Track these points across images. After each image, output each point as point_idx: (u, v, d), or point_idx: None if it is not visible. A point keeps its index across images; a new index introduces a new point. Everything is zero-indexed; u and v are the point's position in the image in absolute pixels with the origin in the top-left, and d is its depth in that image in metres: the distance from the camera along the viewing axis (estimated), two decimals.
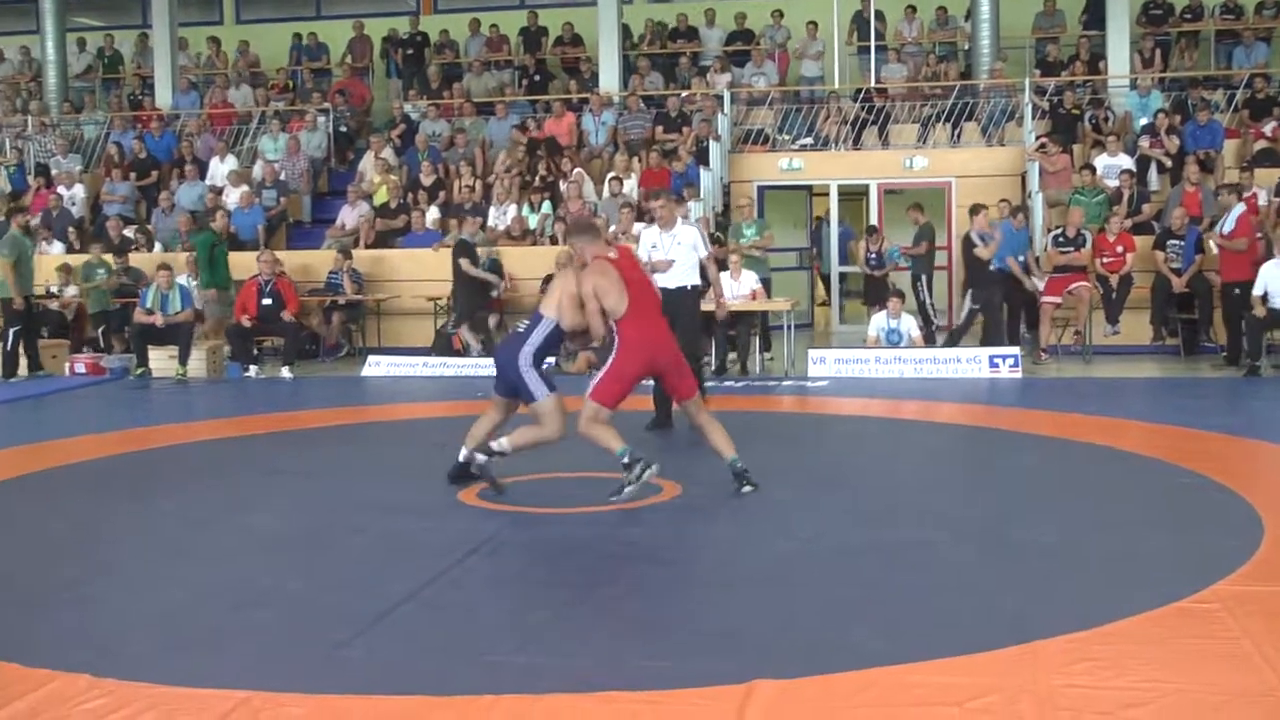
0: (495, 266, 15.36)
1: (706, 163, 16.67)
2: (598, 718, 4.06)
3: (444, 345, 15.23)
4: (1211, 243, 13.61)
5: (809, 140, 18.10)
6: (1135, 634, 4.71)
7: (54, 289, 16.14)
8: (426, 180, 17.56)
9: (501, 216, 16.55)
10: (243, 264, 15.59)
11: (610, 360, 7.11)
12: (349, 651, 4.74)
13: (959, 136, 17.76)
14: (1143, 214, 15.21)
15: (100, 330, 15.50)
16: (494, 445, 7.37)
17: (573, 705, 4.15)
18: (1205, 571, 5.43)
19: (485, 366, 14.14)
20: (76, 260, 16.64)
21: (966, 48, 19.48)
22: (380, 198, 17.47)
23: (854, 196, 19.51)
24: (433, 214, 16.94)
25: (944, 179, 17.38)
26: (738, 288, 13.47)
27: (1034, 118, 17.08)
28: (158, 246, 16.99)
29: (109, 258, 15.94)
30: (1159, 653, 4.51)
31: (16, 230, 14.70)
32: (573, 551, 6.36)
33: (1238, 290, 13.11)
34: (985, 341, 13.64)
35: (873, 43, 18.96)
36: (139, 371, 14.14)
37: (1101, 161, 15.83)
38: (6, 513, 7.54)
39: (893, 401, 11.45)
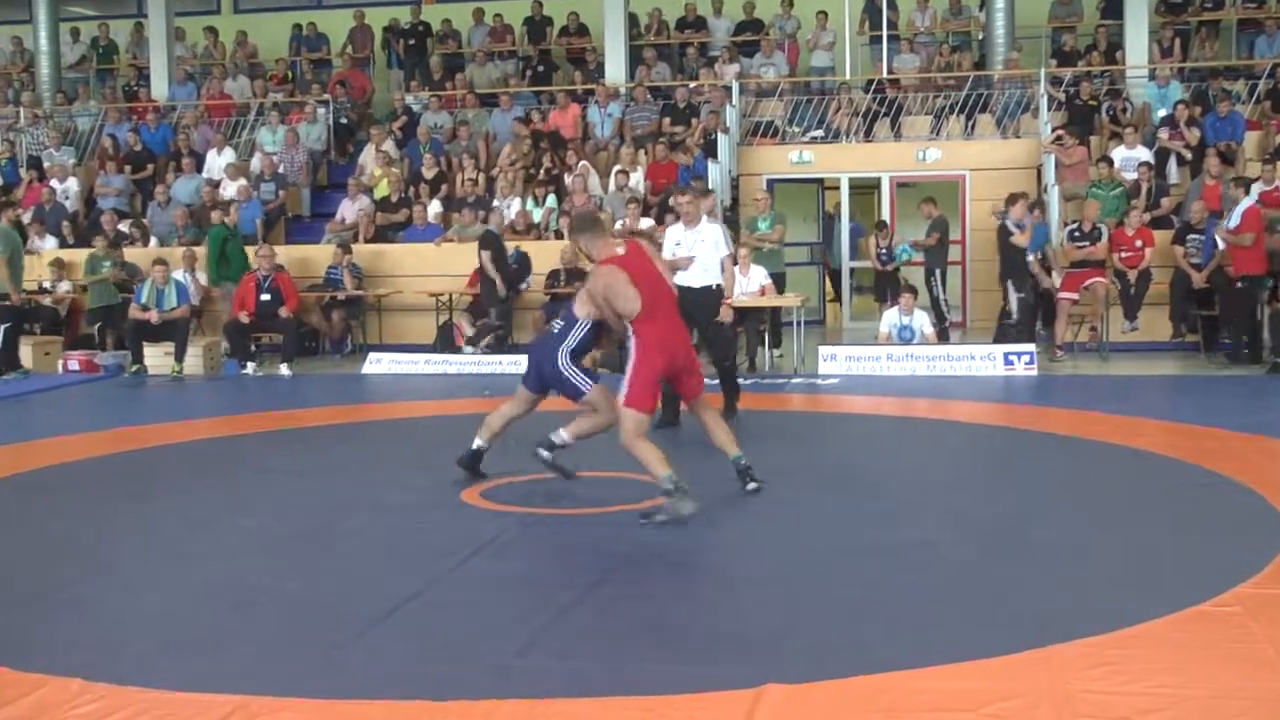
0: (523, 260, 15.32)
1: (715, 155, 16.65)
2: None
3: (446, 342, 15.23)
4: (1218, 237, 13.61)
5: (819, 132, 18.07)
6: (1154, 638, 4.70)
7: (47, 284, 16.15)
8: (428, 173, 17.56)
9: (505, 210, 16.54)
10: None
11: (632, 364, 6.96)
12: (349, 654, 4.74)
13: (973, 128, 17.73)
14: (1162, 208, 15.18)
15: (98, 327, 15.49)
16: (554, 438, 7.56)
17: (577, 710, 4.15)
18: (1226, 574, 5.42)
19: (486, 364, 14.19)
20: (69, 255, 16.68)
21: (981, 37, 19.43)
22: (381, 191, 17.46)
23: (865, 190, 19.48)
24: (434, 208, 16.94)
25: (958, 172, 17.35)
26: (747, 283, 13.46)
27: (1050, 109, 17.04)
28: (153, 241, 16.99)
29: (131, 251, 15.90)
30: (1178, 657, 4.50)
31: (7, 225, 14.70)
32: (577, 552, 6.35)
33: (1240, 284, 13.11)
34: (1017, 328, 13.50)
35: (885, 32, 18.93)
36: (134, 369, 14.14)
37: (1119, 154, 15.79)
38: None
39: (905, 400, 11.44)
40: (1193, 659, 4.47)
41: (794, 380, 12.78)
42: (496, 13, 21.53)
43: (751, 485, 7.27)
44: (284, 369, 14.21)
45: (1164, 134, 16.22)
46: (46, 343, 15.23)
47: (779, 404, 11.35)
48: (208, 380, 14.17)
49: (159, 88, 21.07)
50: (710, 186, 15.59)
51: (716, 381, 10.00)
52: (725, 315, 10.19)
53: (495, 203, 16.37)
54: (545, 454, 7.61)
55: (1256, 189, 14.01)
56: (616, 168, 16.84)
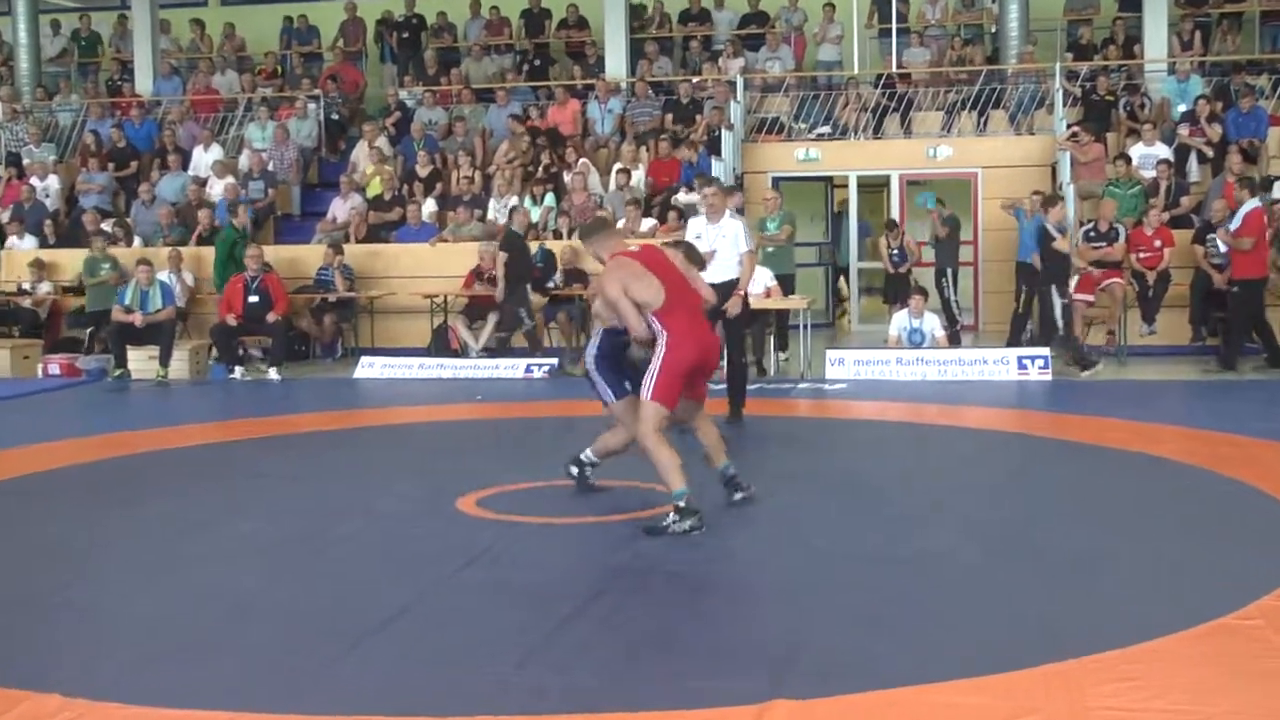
0: (548, 259, 15.31)
1: (719, 153, 16.66)
2: None
3: (441, 345, 15.25)
4: (1219, 240, 13.62)
5: (827, 129, 18.08)
6: (1174, 652, 4.70)
7: (26, 286, 16.16)
8: (423, 171, 17.57)
9: (502, 209, 16.55)
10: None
11: (659, 356, 6.82)
12: (341, 667, 4.74)
13: (985, 125, 17.74)
14: (1181, 206, 15.18)
15: (90, 331, 15.44)
16: (583, 457, 7.59)
17: None
18: (1248, 585, 5.42)
19: (484, 368, 14.20)
20: (50, 255, 16.70)
21: (994, 30, 19.45)
22: (374, 189, 17.47)
23: (874, 188, 19.48)
24: (429, 207, 16.95)
25: (970, 170, 17.36)
26: (752, 285, 13.44)
27: (1065, 105, 17.04)
28: (137, 241, 16.99)
29: (114, 251, 15.91)
30: (1200, 672, 4.49)
31: None
32: (576, 562, 6.36)
33: (1235, 288, 13.13)
34: (1063, 341, 13.42)
35: (894, 25, 18.93)
36: (118, 373, 14.15)
37: (1137, 151, 15.79)
38: None
39: (915, 405, 11.45)
40: (1214, 674, 4.47)
41: (801, 385, 12.79)
42: (493, 5, 21.56)
43: (738, 495, 7.22)
44: (273, 373, 14.22)
45: (1184, 130, 16.22)
46: (25, 346, 15.24)
47: (785, 409, 11.35)
48: (194, 385, 14.19)
49: (143, 82, 21.09)
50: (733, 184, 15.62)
51: (721, 386, 10.00)
52: (734, 306, 10.16)
53: (513, 201, 16.36)
54: (573, 470, 7.68)
55: None
56: (617, 166, 16.86)
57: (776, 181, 17.58)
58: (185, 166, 18.53)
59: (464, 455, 9.28)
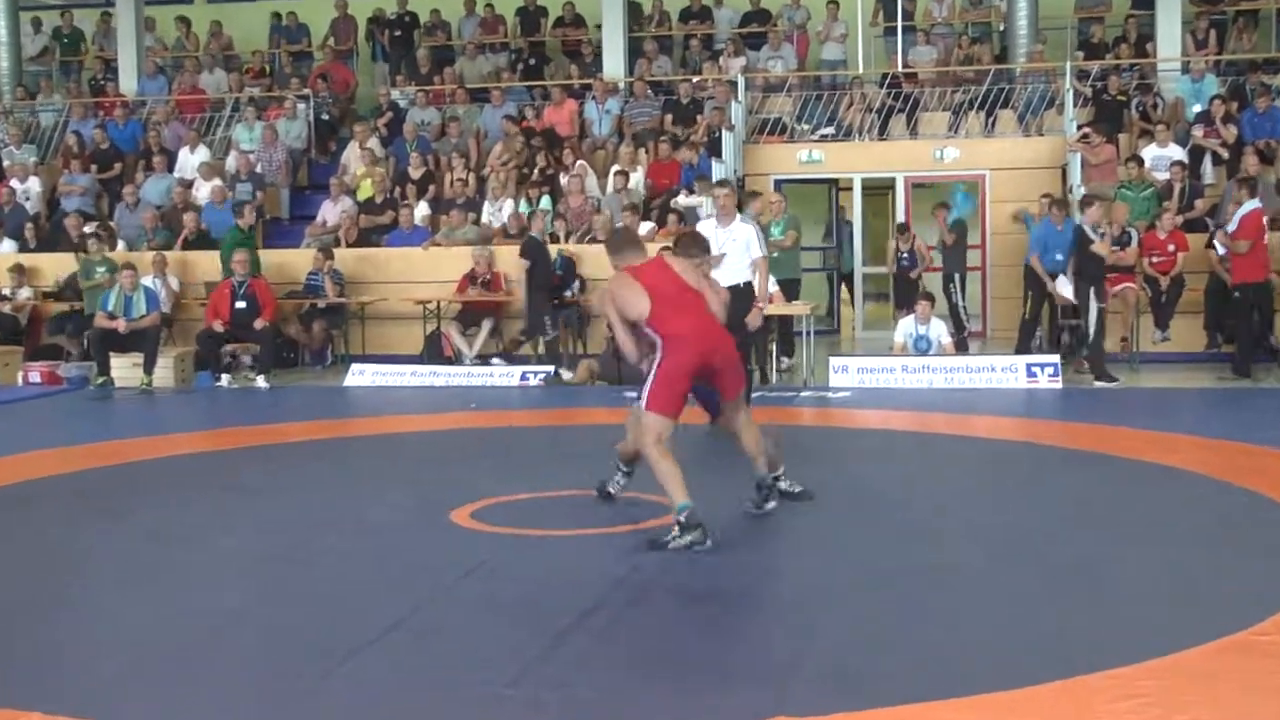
0: (569, 265, 15.30)
1: (719, 154, 16.68)
2: None
3: (434, 352, 15.25)
4: (1218, 243, 13.63)
5: (830, 130, 18.09)
6: (1189, 669, 4.70)
7: (6, 291, 16.15)
8: (415, 173, 17.59)
9: (497, 213, 16.56)
10: (213, 265, 15.62)
11: (656, 365, 6.85)
12: (331, 684, 4.74)
13: (994, 126, 17.76)
14: (1196, 210, 15.19)
15: (86, 335, 15.38)
16: (621, 465, 7.60)
17: None
18: (1265, 600, 5.42)
19: (479, 375, 14.20)
20: (30, 260, 16.70)
21: (1002, 28, 19.49)
22: (365, 192, 17.48)
23: (879, 191, 19.51)
24: (422, 210, 16.96)
25: (977, 171, 17.37)
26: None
27: (1076, 105, 17.05)
28: (121, 245, 16.98)
29: (113, 255, 15.89)
30: (1215, 690, 4.49)
31: None
32: (573, 575, 6.35)
33: (1237, 294, 13.15)
34: (1090, 349, 13.33)
35: (900, 23, 18.96)
36: (100, 381, 14.13)
37: (1150, 153, 15.81)
38: None
39: (921, 414, 11.45)
40: (1230, 691, 4.47)
41: (803, 393, 12.78)
42: (488, 2, 21.60)
43: (770, 504, 7.22)
44: (261, 381, 14.22)
45: (1198, 131, 16.24)
46: (5, 353, 15.24)
47: (788, 418, 11.33)
48: (178, 393, 14.18)
49: (127, 81, 21.11)
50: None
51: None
52: (755, 320, 10.25)
53: (509, 205, 16.38)
54: (620, 480, 7.69)
55: None
56: (615, 167, 16.87)
57: (779, 184, 17.60)
58: (170, 168, 18.53)
59: (457, 466, 9.27)
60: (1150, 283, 14.10)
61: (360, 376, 14.41)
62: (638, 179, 16.76)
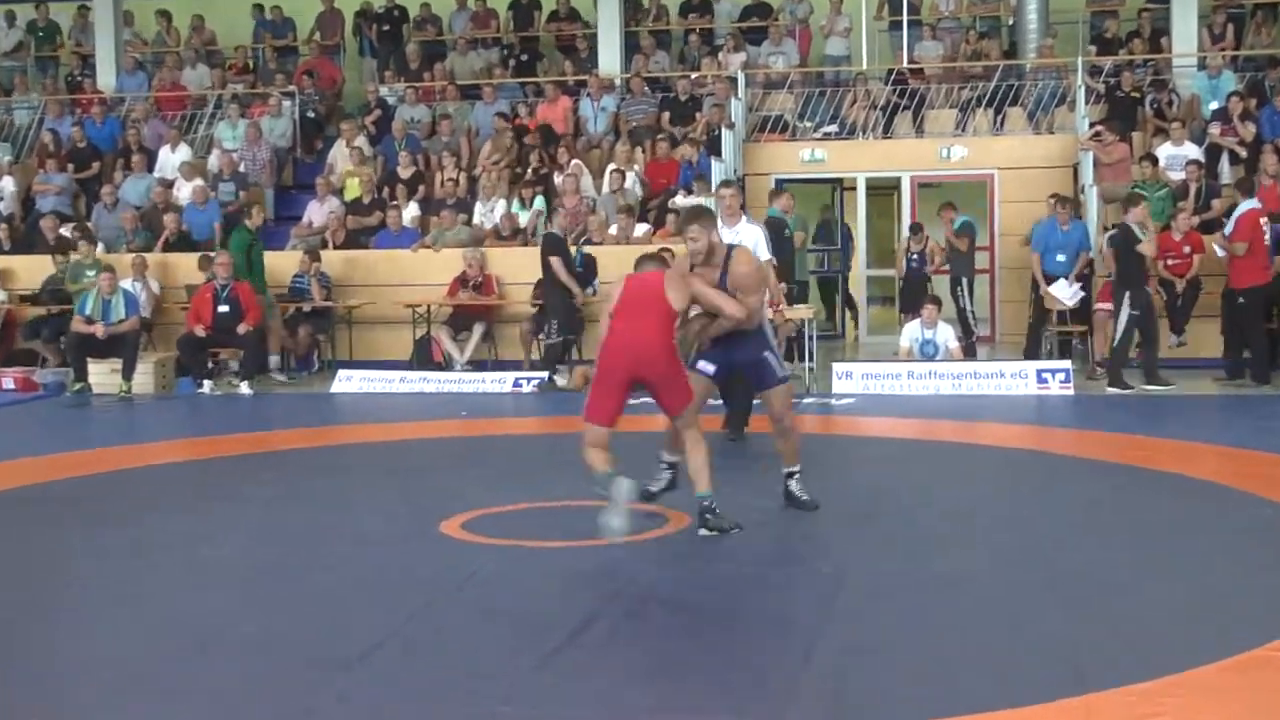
0: (588, 264, 15.29)
1: (719, 153, 16.69)
2: None
3: (424, 358, 15.25)
4: (1215, 246, 13.66)
5: (833, 128, 18.10)
6: (1206, 685, 4.71)
7: None
8: (404, 172, 17.58)
9: (489, 213, 16.57)
10: (193, 268, 15.63)
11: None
12: (318, 702, 4.75)
13: (1002, 123, 17.76)
14: (1213, 210, 15.19)
15: (62, 340, 15.36)
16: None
17: None
18: None
19: (470, 382, 14.21)
20: (4, 262, 16.68)
21: (1011, 22, 19.48)
22: (352, 192, 17.48)
23: (884, 191, 19.53)
24: (411, 210, 16.96)
25: (985, 171, 17.39)
26: None
27: (1088, 102, 17.08)
28: (100, 246, 16.97)
29: (102, 256, 15.88)
30: (1233, 707, 4.50)
31: None
32: (567, 588, 6.37)
33: (1241, 299, 13.17)
34: (1146, 360, 13.30)
35: (905, 17, 18.99)
36: (77, 387, 14.12)
37: (1165, 151, 15.83)
38: None
39: (928, 421, 11.46)
40: (1248, 709, 4.48)
41: (806, 400, 12.77)
42: None
43: (703, 531, 7.11)
44: (244, 388, 14.22)
45: (1215, 129, 16.25)
46: None
47: None
48: (159, 400, 14.17)
49: (105, 77, 21.08)
50: (711, 188, 15.60)
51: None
52: (780, 319, 10.49)
53: (501, 205, 16.40)
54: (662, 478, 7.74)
55: None
56: (611, 166, 16.87)
57: (780, 184, 17.61)
58: (150, 168, 18.51)
59: (448, 475, 9.28)
60: (1165, 286, 14.10)
61: (348, 383, 14.41)
62: (634, 179, 16.75)
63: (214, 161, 18.37)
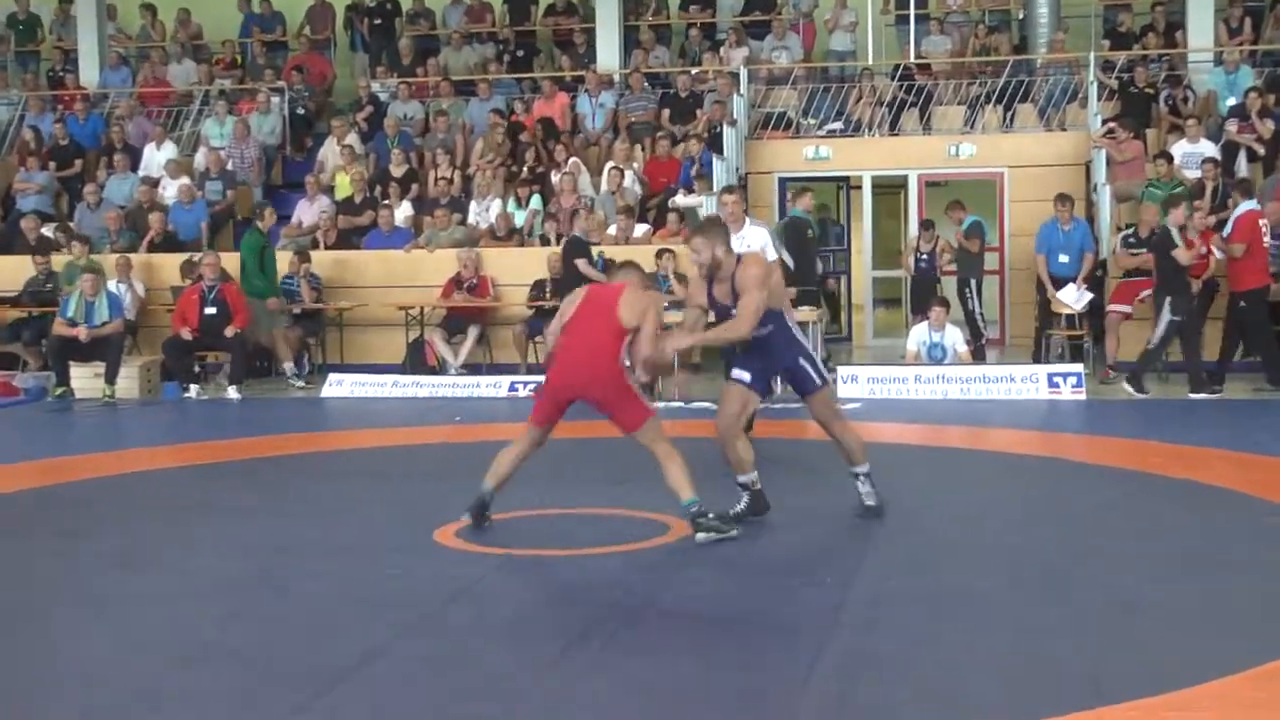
0: (609, 268, 15.28)
1: (720, 151, 16.70)
2: None
3: (417, 361, 15.24)
4: (1214, 248, 13.67)
5: (838, 125, 18.12)
6: (1225, 698, 4.69)
7: None
8: (397, 171, 17.59)
9: (484, 213, 16.56)
10: (175, 269, 15.63)
11: None
12: (307, 716, 4.73)
13: (1012, 120, 17.78)
14: (1229, 209, 15.16)
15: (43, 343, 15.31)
16: (743, 480, 7.61)
17: None
18: None
19: (464, 386, 14.19)
20: None
21: (1022, 16, 19.51)
22: (343, 191, 17.49)
23: (890, 190, 19.54)
24: (404, 210, 16.96)
25: (995, 169, 17.40)
26: None
27: (1100, 98, 17.10)
28: (73, 249, 16.93)
29: (98, 258, 15.87)
30: None
31: None
32: (563, 599, 6.36)
33: (1243, 302, 13.17)
34: (1190, 368, 13.19)
35: (912, 11, 19.02)
36: (59, 392, 14.12)
37: (1180, 149, 15.83)
38: None
39: (935, 427, 11.45)
40: None
41: None
42: None
43: (702, 536, 7.10)
44: (232, 392, 14.21)
45: (1232, 126, 16.25)
46: None
47: (794, 432, 11.32)
48: (144, 405, 14.17)
49: (88, 73, 21.09)
50: (713, 187, 15.61)
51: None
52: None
53: (496, 204, 16.40)
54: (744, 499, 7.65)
55: None
56: (609, 165, 16.86)
57: (784, 182, 17.62)
58: (135, 166, 18.52)
59: (441, 482, 9.25)
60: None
61: (338, 387, 14.41)
62: (633, 177, 16.75)
63: (201, 160, 18.38)
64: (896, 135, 17.98)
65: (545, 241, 15.90)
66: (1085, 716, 4.50)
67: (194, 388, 14.40)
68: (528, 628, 5.86)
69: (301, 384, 14.86)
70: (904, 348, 14.32)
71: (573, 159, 17.11)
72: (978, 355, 14.58)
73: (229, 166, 18.16)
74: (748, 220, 10.49)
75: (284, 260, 15.99)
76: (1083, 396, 12.85)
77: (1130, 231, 14.31)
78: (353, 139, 18.32)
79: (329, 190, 17.55)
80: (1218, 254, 13.66)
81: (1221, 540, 7.24)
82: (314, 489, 9.31)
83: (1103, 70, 17.58)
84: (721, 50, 19.60)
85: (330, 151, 18.31)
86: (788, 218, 14.68)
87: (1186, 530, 7.52)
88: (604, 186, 16.66)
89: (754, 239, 10.37)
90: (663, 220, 15.70)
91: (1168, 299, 12.97)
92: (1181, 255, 12.88)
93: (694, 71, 18.93)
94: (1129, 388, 12.86)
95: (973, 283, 15.47)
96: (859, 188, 18.53)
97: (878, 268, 18.73)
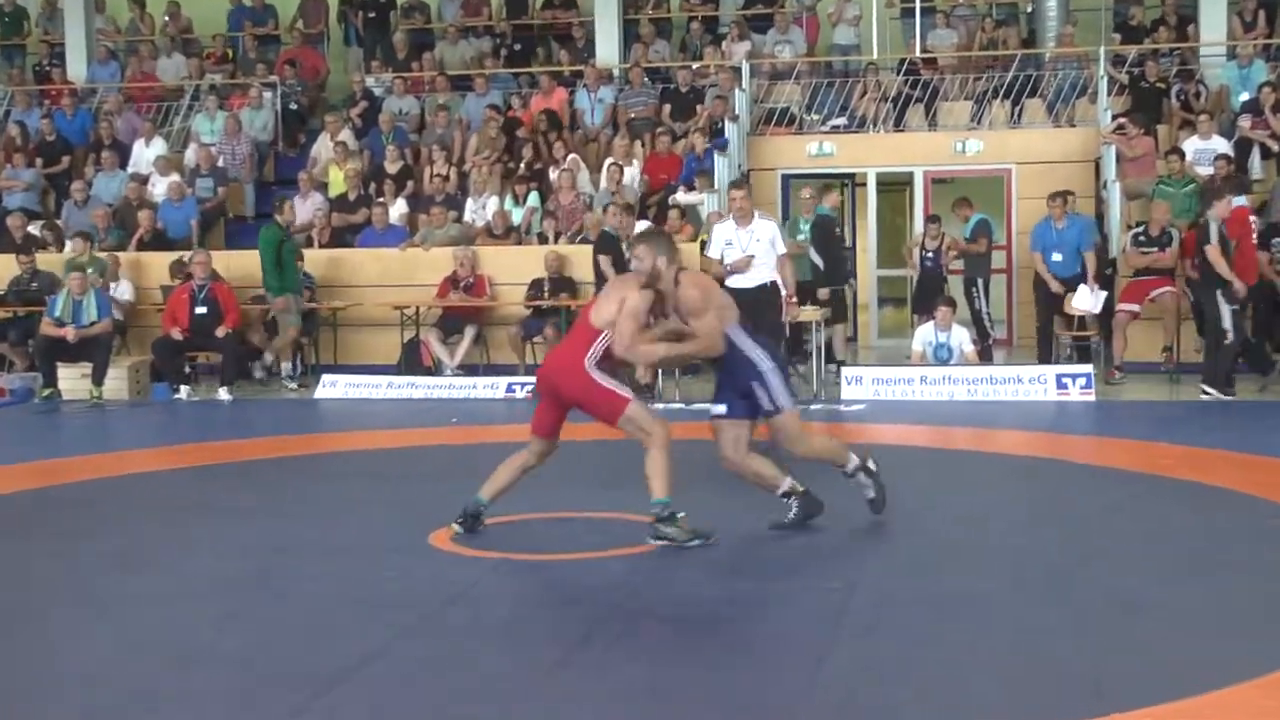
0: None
1: (722, 147, 16.71)
2: None
3: (412, 362, 15.26)
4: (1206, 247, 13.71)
5: (843, 120, 18.14)
6: (1235, 705, 4.73)
7: None
8: (392, 167, 17.59)
9: (480, 210, 16.58)
10: (164, 268, 15.67)
11: None
12: (306, 718, 4.78)
13: (1020, 116, 17.80)
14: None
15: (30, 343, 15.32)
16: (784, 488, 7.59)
17: None
18: None
19: (461, 387, 14.22)
20: None
21: (1030, 9, 19.53)
22: (337, 188, 17.50)
23: (896, 187, 19.57)
24: (399, 207, 16.98)
25: (1002, 166, 17.43)
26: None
27: (1110, 93, 17.11)
28: (69, 245, 16.99)
29: (103, 255, 15.90)
30: None
31: None
32: (562, 603, 6.41)
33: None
34: (1251, 362, 13.32)
35: (918, 4, 19.01)
36: (46, 393, 14.14)
37: (1192, 145, 15.84)
38: None
39: (942, 429, 11.48)
40: None
41: (814, 406, 12.79)
42: None
43: (651, 541, 7.13)
44: (223, 394, 14.24)
45: (1245, 122, 16.26)
46: None
47: None
48: (133, 406, 14.20)
49: (76, 67, 21.09)
50: (714, 184, 15.66)
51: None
52: (795, 315, 11.25)
53: (438, 200, 16.46)
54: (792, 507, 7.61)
55: None
56: (609, 161, 16.87)
57: (786, 179, 17.65)
58: (124, 163, 18.53)
59: (438, 484, 9.29)
60: (1192, 287, 14.10)
61: (332, 388, 14.43)
62: (633, 174, 16.77)
63: (191, 156, 18.38)
64: (902, 131, 18.00)
65: (543, 240, 15.93)
66: None
67: (184, 389, 14.43)
68: (527, 630, 5.91)
69: (294, 385, 14.90)
70: (909, 348, 14.34)
71: (572, 155, 17.13)
72: (985, 356, 14.59)
73: (220, 163, 18.16)
74: (756, 215, 10.70)
75: None
76: (1091, 398, 12.88)
77: (1141, 230, 14.33)
78: (346, 135, 18.32)
79: (322, 187, 17.55)
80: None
81: (1227, 542, 7.29)
82: (311, 490, 9.36)
83: (1113, 64, 17.59)
84: (723, 44, 19.62)
85: (323, 148, 18.32)
86: (814, 215, 14.74)
87: (1192, 532, 7.56)
88: (603, 183, 16.68)
89: (763, 234, 10.64)
90: (663, 218, 15.72)
91: (1219, 292, 12.88)
92: (1212, 254, 12.84)
93: (695, 66, 18.94)
94: (1214, 392, 12.74)
95: (980, 282, 15.49)
96: (863, 185, 18.55)
97: (882, 266, 18.75)
